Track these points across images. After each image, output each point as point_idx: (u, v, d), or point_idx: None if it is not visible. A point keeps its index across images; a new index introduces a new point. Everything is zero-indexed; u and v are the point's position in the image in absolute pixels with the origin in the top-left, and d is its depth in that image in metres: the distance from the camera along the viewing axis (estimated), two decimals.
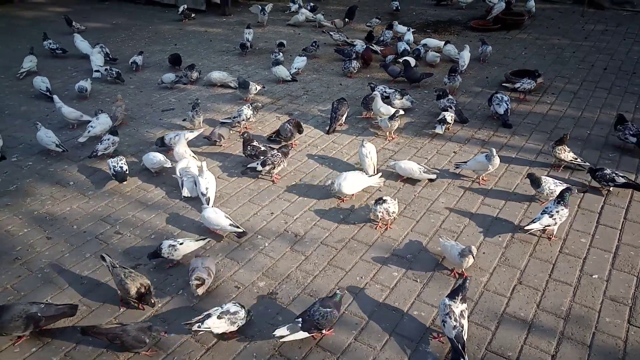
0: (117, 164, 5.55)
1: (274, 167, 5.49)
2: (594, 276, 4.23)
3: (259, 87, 7.48)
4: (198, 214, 5.01)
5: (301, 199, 5.31)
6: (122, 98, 7.06)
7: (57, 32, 10.77)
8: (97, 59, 8.69)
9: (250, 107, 6.60)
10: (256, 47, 10.07)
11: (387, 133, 6.38)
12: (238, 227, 4.65)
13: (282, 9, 12.81)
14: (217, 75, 8.06)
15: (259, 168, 5.47)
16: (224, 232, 4.75)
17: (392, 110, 6.59)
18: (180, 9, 11.90)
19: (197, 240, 4.48)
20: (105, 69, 8.35)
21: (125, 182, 5.56)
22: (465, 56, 8.44)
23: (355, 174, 5.23)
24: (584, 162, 5.57)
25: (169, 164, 5.64)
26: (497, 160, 5.34)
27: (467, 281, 3.66)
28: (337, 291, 3.78)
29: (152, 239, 4.74)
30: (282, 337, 3.57)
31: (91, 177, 5.78)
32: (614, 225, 4.81)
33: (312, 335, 3.66)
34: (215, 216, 4.68)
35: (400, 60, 8.38)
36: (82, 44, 9.51)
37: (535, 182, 5.06)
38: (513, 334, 3.73)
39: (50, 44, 9.56)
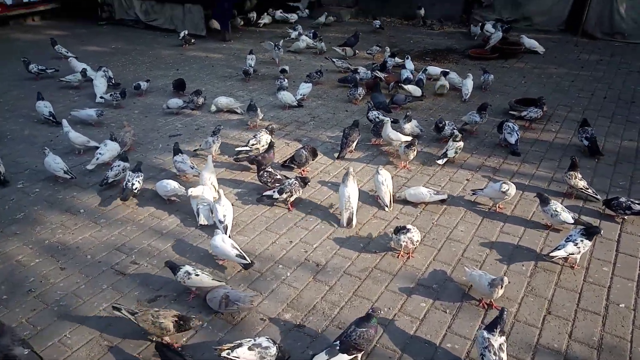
0: (133, 179, 5.58)
1: (292, 195, 5.43)
2: (620, 305, 4.21)
3: (215, 137, 6.95)
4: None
5: (319, 226, 5.25)
6: (129, 124, 6.96)
7: (51, 56, 10.69)
8: (100, 84, 8.59)
9: (267, 131, 6.55)
10: (259, 73, 10.08)
11: (402, 161, 6.36)
12: (245, 258, 4.52)
13: (282, 35, 12.90)
14: (224, 100, 8.02)
15: (276, 196, 5.41)
16: (230, 261, 4.65)
17: (402, 137, 6.62)
18: (182, 34, 11.91)
19: (212, 279, 4.32)
20: (110, 94, 8.26)
21: (126, 202, 5.58)
22: (469, 84, 8.55)
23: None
24: (595, 195, 5.61)
25: (183, 191, 5.54)
26: (512, 190, 5.35)
27: (505, 313, 3.61)
28: (372, 312, 3.70)
29: (169, 270, 4.60)
30: None
31: (102, 204, 5.65)
32: (633, 254, 4.82)
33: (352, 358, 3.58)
34: (222, 245, 4.57)
35: (405, 87, 8.47)
36: (80, 66, 9.44)
37: (544, 200, 5.09)
38: None
39: (36, 66, 9.49)
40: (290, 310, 4.19)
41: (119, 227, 5.26)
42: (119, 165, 5.87)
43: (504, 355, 3.49)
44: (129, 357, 3.76)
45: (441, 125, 6.90)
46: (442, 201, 5.56)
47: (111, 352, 3.79)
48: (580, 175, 5.67)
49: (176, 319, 3.74)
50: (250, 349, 3.49)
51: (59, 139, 7.03)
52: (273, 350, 3.54)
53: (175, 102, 8.07)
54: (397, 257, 4.79)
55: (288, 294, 4.35)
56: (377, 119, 7.17)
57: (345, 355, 3.53)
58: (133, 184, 5.58)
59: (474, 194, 5.65)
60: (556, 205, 5.08)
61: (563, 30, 13.10)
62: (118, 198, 5.65)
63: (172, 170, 6.24)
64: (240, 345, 3.51)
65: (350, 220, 5.21)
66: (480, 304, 4.24)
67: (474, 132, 7.24)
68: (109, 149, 6.29)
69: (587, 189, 5.62)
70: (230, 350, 3.47)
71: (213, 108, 8.06)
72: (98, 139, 6.90)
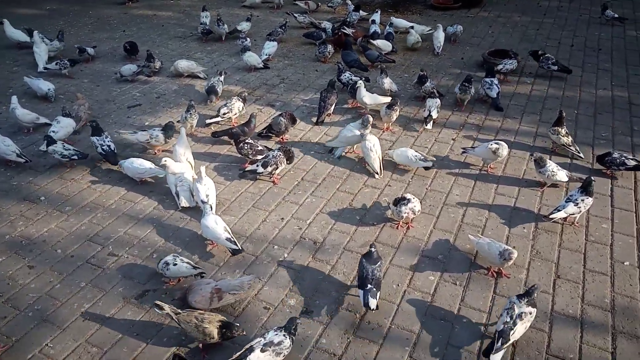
0: (104, 142, 5.17)
1: (277, 168, 5.05)
2: (625, 263, 4.17)
3: (222, 78, 6.78)
4: (199, 225, 4.48)
5: (309, 200, 4.92)
6: (83, 96, 6.28)
7: None
8: (41, 51, 7.69)
9: (239, 99, 6.06)
10: (213, 24, 9.35)
11: (385, 124, 6.06)
12: (235, 244, 4.15)
13: None
14: (184, 64, 7.38)
15: (260, 170, 5.01)
16: (221, 246, 4.28)
17: (379, 99, 6.28)
18: None
19: (192, 267, 3.95)
20: (57, 63, 7.43)
21: (116, 164, 5.23)
22: (440, 37, 8.26)
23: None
24: (579, 152, 5.51)
25: (160, 172, 5.02)
26: (504, 150, 5.18)
27: (536, 287, 3.46)
28: (373, 249, 3.80)
29: (155, 259, 4.18)
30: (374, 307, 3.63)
31: (64, 189, 5.08)
32: (628, 208, 4.79)
33: None
34: (215, 227, 4.19)
35: (373, 42, 8.08)
36: (15, 32, 8.46)
37: (540, 161, 4.97)
38: (568, 334, 3.58)
39: None
40: (293, 295, 3.89)
41: (88, 214, 4.74)
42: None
43: (519, 323, 3.35)
44: None
45: (423, 74, 6.59)
46: (426, 168, 5.30)
47: (104, 358, 3.40)
48: (564, 131, 5.56)
49: (220, 324, 3.39)
50: (262, 350, 3.19)
51: (2, 116, 6.27)
52: (287, 342, 3.26)
53: (129, 68, 7.36)
54: (397, 228, 4.55)
55: (288, 277, 4.04)
56: (350, 81, 6.78)
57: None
58: (109, 146, 5.30)
59: (464, 152, 5.46)
60: (552, 165, 4.95)
61: None
62: (84, 180, 5.10)
63: (139, 145, 5.67)
64: (252, 350, 3.20)
65: (381, 167, 5.24)
66: (489, 273, 4.09)
67: (462, 105, 6.64)
68: (63, 126, 5.65)
69: (571, 145, 5.52)
70: (243, 358, 3.15)
71: (172, 69, 7.41)
72: (48, 115, 6.21)
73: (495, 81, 6.62)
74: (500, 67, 7.26)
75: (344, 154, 5.60)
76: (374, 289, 3.66)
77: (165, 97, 6.97)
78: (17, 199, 4.93)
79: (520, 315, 3.39)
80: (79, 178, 5.24)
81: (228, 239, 4.15)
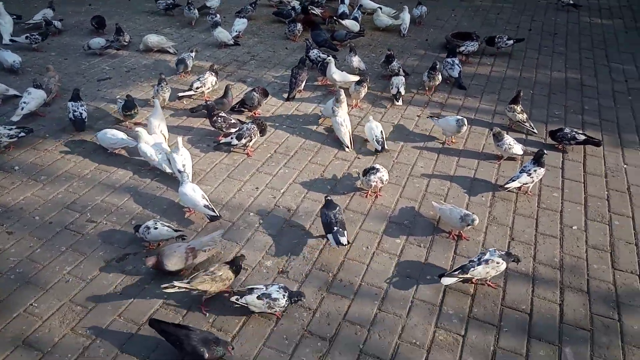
0: (78, 109, 5.34)
1: (250, 140, 5.22)
2: (573, 227, 4.57)
3: (193, 54, 6.88)
4: (176, 194, 4.64)
5: (282, 171, 5.13)
6: (53, 68, 6.25)
7: None
8: (6, 22, 7.54)
9: (212, 73, 6.17)
10: (183, 7, 9.34)
11: (354, 100, 6.29)
12: (213, 210, 4.33)
13: None
14: (154, 38, 7.41)
15: (234, 142, 5.18)
16: (198, 212, 4.46)
17: (348, 77, 6.50)
18: None
19: (173, 230, 4.12)
20: (27, 37, 7.31)
21: (82, 131, 5.45)
22: (406, 18, 8.52)
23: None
24: (532, 129, 5.88)
25: (132, 143, 5.12)
26: (465, 128, 5.50)
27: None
28: (329, 197, 4.30)
29: (133, 224, 4.31)
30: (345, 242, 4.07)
31: (38, 159, 5.13)
32: (577, 179, 5.20)
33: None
34: (193, 194, 4.36)
35: (341, 22, 8.28)
36: None
37: (498, 136, 5.31)
38: (521, 289, 3.94)
39: None
40: (270, 257, 4.13)
41: (63, 183, 4.82)
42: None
43: (483, 265, 3.77)
44: (108, 320, 3.54)
45: (390, 53, 6.84)
46: (376, 151, 5.42)
47: (89, 316, 3.56)
48: (520, 108, 5.92)
49: (228, 265, 3.67)
50: (259, 297, 3.46)
51: None
52: (282, 302, 3.48)
53: (98, 41, 7.33)
54: (366, 196, 4.82)
55: (265, 241, 4.27)
56: (318, 58, 6.98)
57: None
58: (81, 113, 5.46)
59: (431, 117, 5.80)
60: (509, 139, 5.31)
61: None
62: (57, 150, 5.16)
63: (114, 116, 5.74)
64: (251, 291, 3.49)
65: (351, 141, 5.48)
66: (450, 236, 4.41)
67: (430, 90, 6.80)
68: (34, 97, 5.67)
69: (525, 122, 5.89)
70: (239, 297, 3.46)
71: (142, 47, 7.43)
72: (17, 87, 6.17)
73: (457, 61, 6.94)
74: (462, 48, 7.58)
75: (315, 128, 5.83)
76: (341, 229, 4.08)
77: (136, 71, 7.01)
78: None
79: (487, 261, 3.78)
80: (52, 149, 5.29)
81: (206, 206, 4.33)
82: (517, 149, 5.30)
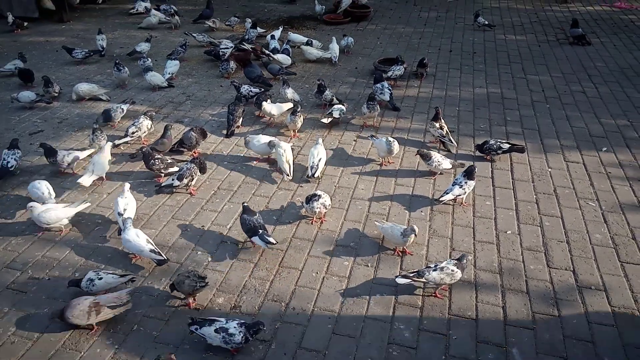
0: (9, 157, 5.48)
1: (192, 180, 5.26)
2: (508, 232, 4.85)
3: (125, 107, 6.75)
4: (118, 242, 4.60)
5: (227, 206, 5.18)
6: None
7: None
8: None
9: (147, 117, 6.18)
10: (113, 54, 9.33)
11: (292, 130, 6.46)
12: (160, 254, 4.31)
13: (124, 11, 12.05)
14: (85, 87, 7.33)
15: (176, 183, 5.19)
16: (145, 258, 4.43)
17: (283, 107, 6.69)
18: (10, 19, 10.45)
19: (120, 276, 4.09)
20: None
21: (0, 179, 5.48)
22: (335, 48, 8.86)
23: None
24: (451, 141, 6.20)
25: (53, 200, 5.04)
26: (395, 146, 5.76)
27: (465, 256, 4.17)
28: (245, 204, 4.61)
29: (77, 277, 4.22)
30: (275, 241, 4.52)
31: None
32: (507, 186, 5.54)
33: None
34: (137, 240, 4.33)
35: (272, 57, 8.50)
36: None
37: (426, 156, 5.60)
38: (466, 295, 4.14)
39: None
40: (221, 294, 4.14)
41: (1, 242, 4.67)
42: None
43: (438, 271, 4.03)
44: None
45: (320, 83, 7.07)
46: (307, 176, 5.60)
47: None
48: (439, 125, 6.23)
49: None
50: (216, 331, 3.50)
51: None
52: (238, 338, 3.50)
53: (27, 95, 7.16)
54: (312, 223, 4.94)
55: (215, 278, 4.28)
56: (250, 93, 7.12)
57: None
58: (8, 162, 5.46)
59: (371, 137, 6.10)
60: (436, 156, 5.60)
61: None
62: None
63: (45, 170, 5.64)
64: (211, 323, 3.56)
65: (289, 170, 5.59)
66: (395, 252, 4.59)
67: (372, 124, 6.89)
68: None
69: (445, 136, 6.21)
70: (198, 327, 3.51)
71: (74, 96, 7.33)
72: None
73: (386, 84, 7.27)
74: (389, 73, 7.94)
75: (254, 163, 5.93)
76: (265, 231, 4.47)
77: (68, 121, 6.90)
78: None
79: (442, 268, 4.01)
80: None
81: (152, 250, 4.30)
82: (446, 164, 5.60)
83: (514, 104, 7.46)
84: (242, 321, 3.60)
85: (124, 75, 7.90)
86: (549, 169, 5.85)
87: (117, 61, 7.88)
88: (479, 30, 10.83)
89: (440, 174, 5.71)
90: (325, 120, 6.59)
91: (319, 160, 5.56)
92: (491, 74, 8.55)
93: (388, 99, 7.14)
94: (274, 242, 4.44)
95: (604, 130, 6.70)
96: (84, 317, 3.69)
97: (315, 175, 5.52)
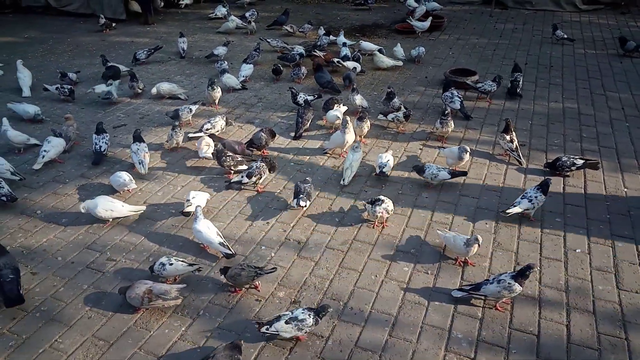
0: (100, 141, 5.99)
1: (260, 178, 5.45)
2: (577, 250, 4.69)
3: (194, 108, 7.03)
4: (190, 231, 4.85)
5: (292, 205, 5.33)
6: (71, 117, 6.57)
7: None
8: (25, 76, 7.98)
9: (224, 118, 6.49)
10: (192, 56, 9.82)
11: (358, 136, 6.54)
12: (228, 249, 4.49)
13: (204, 16, 12.62)
14: (166, 86, 7.77)
15: (245, 180, 5.40)
16: (214, 250, 4.63)
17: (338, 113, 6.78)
18: (102, 20, 11.25)
19: (189, 265, 4.30)
20: (57, 87, 7.71)
21: (97, 165, 5.98)
22: (399, 49, 9.27)
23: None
24: (519, 158, 6.04)
25: (133, 185, 5.43)
26: (467, 156, 5.71)
27: (531, 268, 4.05)
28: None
29: (151, 262, 4.50)
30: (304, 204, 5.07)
31: (59, 203, 5.37)
32: (579, 204, 5.35)
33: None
34: (208, 231, 4.55)
35: (343, 64, 8.64)
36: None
37: (419, 169, 5.51)
38: (528, 311, 4.05)
39: None
40: (282, 288, 4.28)
41: (83, 225, 5.04)
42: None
43: (492, 288, 4.00)
44: (129, 353, 3.69)
45: (390, 90, 7.12)
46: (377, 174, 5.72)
47: (111, 350, 3.71)
48: (509, 138, 6.10)
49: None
50: (287, 322, 3.63)
51: None
52: (310, 321, 3.65)
53: (25, 109, 7.20)
54: (373, 227, 5.00)
55: (277, 273, 4.41)
56: (307, 99, 7.22)
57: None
58: (101, 147, 5.97)
59: (440, 149, 6.18)
60: (431, 168, 5.49)
61: (485, 1, 13.69)
62: (77, 195, 5.42)
63: (127, 161, 6.03)
64: (278, 318, 3.67)
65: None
66: (457, 262, 4.55)
67: (444, 139, 6.69)
68: (54, 145, 5.96)
69: (514, 151, 6.06)
70: (268, 326, 3.64)
71: (154, 92, 7.77)
72: (37, 136, 6.49)
73: (455, 92, 7.20)
74: (479, 85, 7.71)
75: (322, 163, 6.06)
76: (305, 197, 5.06)
77: (149, 117, 7.33)
78: (15, 214, 5.19)
79: (499, 281, 3.99)
80: (72, 193, 5.54)
81: (221, 244, 4.50)
82: (443, 174, 5.47)
83: (591, 121, 7.18)
84: (306, 306, 3.76)
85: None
86: (625, 189, 5.60)
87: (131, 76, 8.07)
88: (557, 43, 10.48)
89: (441, 185, 5.63)
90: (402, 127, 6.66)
91: (387, 161, 5.67)
92: (568, 88, 8.27)
93: (459, 107, 7.08)
94: (303, 205, 5.04)
95: None
96: (138, 300, 3.91)
97: (385, 171, 5.63)
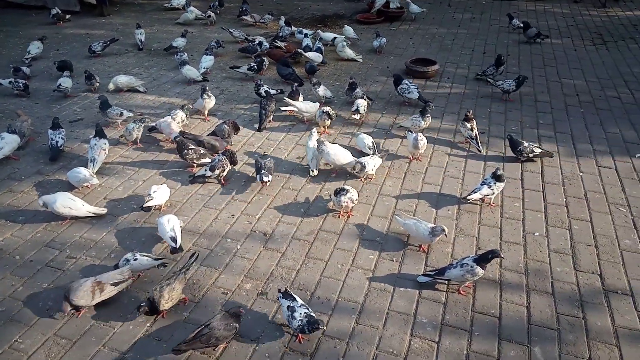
0: (55, 136, 5.84)
1: (224, 171, 5.40)
2: (535, 234, 4.84)
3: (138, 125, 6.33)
4: (154, 225, 4.78)
5: (257, 197, 5.31)
6: (24, 113, 6.35)
7: None
8: None
9: (183, 109, 6.38)
10: (150, 48, 9.61)
11: (321, 127, 6.55)
12: (174, 242, 4.36)
13: (162, 7, 12.36)
14: (124, 79, 7.59)
15: (208, 174, 5.35)
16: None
17: (312, 105, 6.76)
18: (54, 11, 10.85)
19: (154, 259, 4.24)
20: (10, 81, 7.42)
21: (54, 161, 5.83)
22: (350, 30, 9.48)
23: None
24: (478, 146, 6.19)
25: (95, 180, 5.30)
26: (422, 143, 5.81)
27: (496, 252, 4.15)
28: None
29: (112, 258, 4.43)
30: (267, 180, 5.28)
31: (15, 201, 5.19)
32: (536, 189, 5.52)
33: None
34: (165, 224, 4.47)
35: (305, 55, 8.62)
36: None
37: (359, 171, 5.44)
38: (489, 294, 4.16)
39: None
40: (249, 280, 4.27)
41: (41, 223, 4.89)
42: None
43: (459, 269, 4.08)
44: (93, 351, 3.62)
45: (352, 80, 7.16)
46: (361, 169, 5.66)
47: (74, 349, 3.63)
48: (469, 126, 6.24)
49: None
50: (288, 308, 3.67)
51: None
52: (294, 324, 3.61)
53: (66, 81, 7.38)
54: (338, 216, 5.03)
55: (243, 265, 4.41)
56: (270, 90, 7.18)
57: None
58: (57, 142, 5.85)
59: (401, 126, 6.32)
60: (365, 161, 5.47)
61: None
62: (34, 192, 5.25)
63: (85, 156, 5.86)
64: (293, 299, 3.73)
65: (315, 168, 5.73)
66: (421, 249, 4.63)
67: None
68: (7, 142, 5.76)
69: (473, 138, 6.22)
70: (282, 296, 3.76)
71: (111, 87, 7.58)
72: None
73: (408, 81, 7.36)
74: (499, 83, 7.57)
75: (286, 155, 6.04)
76: (267, 172, 5.28)
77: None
78: None
79: (462, 264, 4.09)
80: (28, 190, 5.37)
81: (171, 238, 4.38)
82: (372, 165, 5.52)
83: (547, 107, 7.39)
84: (311, 313, 3.66)
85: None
86: (581, 173, 5.80)
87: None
88: (514, 32, 10.73)
89: (470, 171, 5.74)
90: (357, 117, 6.65)
91: (372, 142, 5.99)
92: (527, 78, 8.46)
93: (417, 96, 7.20)
94: (266, 180, 5.27)
95: (639, 137, 6.59)
96: (89, 297, 3.81)
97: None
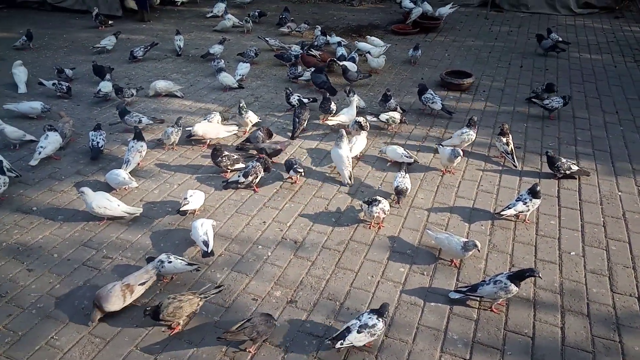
0: (97, 138, 6.02)
1: (256, 177, 5.46)
2: (571, 253, 4.73)
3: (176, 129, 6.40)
4: (188, 228, 4.86)
5: (288, 205, 5.34)
6: (66, 114, 6.55)
7: None
8: (20, 73, 7.95)
9: (219, 114, 6.52)
10: (188, 54, 9.80)
11: (354, 137, 6.55)
12: (206, 246, 4.41)
13: (201, 14, 12.59)
14: (162, 84, 7.76)
15: (242, 180, 5.42)
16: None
17: (352, 113, 6.79)
18: (95, 14, 11.18)
19: (188, 264, 4.29)
20: (53, 83, 7.68)
21: (95, 160, 6.01)
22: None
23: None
24: (514, 162, 6.07)
25: (134, 184, 5.43)
26: (459, 159, 5.76)
27: (534, 271, 4.09)
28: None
29: (146, 257, 4.50)
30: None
31: (55, 200, 5.35)
32: (573, 207, 5.40)
33: None
34: (198, 227, 4.53)
35: (340, 64, 8.65)
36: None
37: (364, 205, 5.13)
38: (523, 313, 4.09)
39: None
40: (279, 287, 4.29)
41: (80, 222, 5.03)
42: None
43: (489, 288, 4.02)
44: (126, 351, 3.69)
45: (389, 93, 7.16)
46: (409, 164, 5.88)
47: (107, 348, 3.70)
48: (505, 140, 6.13)
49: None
50: (359, 331, 3.57)
51: None
52: (380, 325, 3.63)
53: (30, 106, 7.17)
54: (369, 227, 5.02)
55: (273, 272, 4.43)
56: (298, 102, 7.20)
57: None
58: (98, 142, 6.06)
59: (439, 145, 6.16)
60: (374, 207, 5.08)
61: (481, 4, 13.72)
62: (73, 192, 5.41)
63: (122, 157, 6.01)
64: (349, 330, 3.59)
65: (350, 177, 5.71)
66: (453, 264, 4.58)
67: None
68: (50, 142, 5.93)
69: (509, 154, 6.09)
70: (342, 340, 3.54)
71: (151, 92, 7.76)
72: (32, 132, 6.47)
73: (431, 91, 7.35)
74: (546, 102, 7.40)
75: (318, 163, 6.08)
76: (300, 169, 5.49)
77: (146, 115, 7.29)
78: (11, 210, 5.17)
79: (496, 281, 4.02)
80: (68, 190, 5.52)
81: (203, 242, 4.43)
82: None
83: (586, 124, 7.23)
84: (370, 310, 3.74)
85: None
86: (619, 193, 5.66)
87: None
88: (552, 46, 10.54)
89: (504, 187, 5.65)
90: (383, 118, 6.83)
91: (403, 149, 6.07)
92: (563, 92, 8.31)
93: (440, 107, 7.18)
94: (300, 170, 5.50)
95: None
96: (120, 301, 3.88)
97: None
